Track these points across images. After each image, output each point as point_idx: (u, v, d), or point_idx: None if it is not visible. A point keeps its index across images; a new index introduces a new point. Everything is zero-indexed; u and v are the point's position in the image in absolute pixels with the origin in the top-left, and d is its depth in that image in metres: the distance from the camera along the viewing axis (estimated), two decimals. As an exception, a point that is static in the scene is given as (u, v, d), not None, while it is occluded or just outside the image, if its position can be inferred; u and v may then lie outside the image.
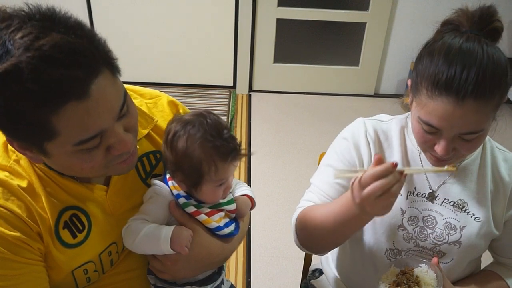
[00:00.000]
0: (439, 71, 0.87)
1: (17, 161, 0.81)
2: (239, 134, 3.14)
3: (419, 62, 0.93)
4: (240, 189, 1.06)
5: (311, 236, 1.07)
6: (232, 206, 1.00)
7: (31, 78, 0.63)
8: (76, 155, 0.73)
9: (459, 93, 0.84)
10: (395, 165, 0.81)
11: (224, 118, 3.29)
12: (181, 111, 1.07)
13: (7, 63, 0.63)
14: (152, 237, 0.87)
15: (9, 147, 0.81)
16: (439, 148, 0.92)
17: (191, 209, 0.93)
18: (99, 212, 0.88)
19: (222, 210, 0.98)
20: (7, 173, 0.78)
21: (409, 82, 0.98)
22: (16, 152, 0.80)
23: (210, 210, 0.96)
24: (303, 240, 1.11)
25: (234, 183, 1.06)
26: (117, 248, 0.93)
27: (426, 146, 0.96)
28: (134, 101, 0.96)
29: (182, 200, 0.93)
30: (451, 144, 0.91)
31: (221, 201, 0.98)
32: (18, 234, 0.76)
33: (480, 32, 0.90)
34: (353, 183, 0.84)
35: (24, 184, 0.79)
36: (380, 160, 0.82)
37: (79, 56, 0.66)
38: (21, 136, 0.71)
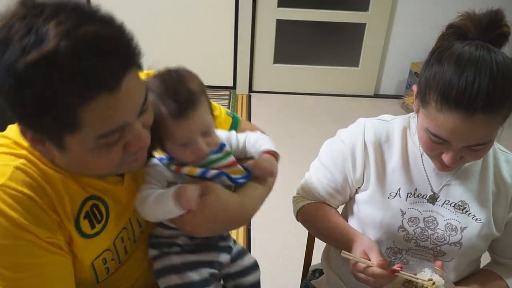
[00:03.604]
0: (449, 84, 0.85)
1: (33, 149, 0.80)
2: (239, 134, 3.13)
3: (427, 69, 0.91)
4: (257, 144, 1.00)
5: (310, 232, 1.25)
6: (229, 160, 0.94)
7: (69, 65, 0.62)
8: (94, 150, 0.73)
9: (469, 109, 0.84)
10: (394, 271, 0.95)
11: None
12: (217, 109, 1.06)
13: (45, 48, 0.61)
14: (161, 198, 0.85)
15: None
16: (446, 157, 0.93)
17: (173, 167, 0.90)
18: (113, 201, 0.88)
19: (216, 169, 0.92)
20: (24, 161, 0.77)
21: (414, 88, 0.97)
22: None
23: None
24: (303, 225, 1.24)
25: (245, 138, 1.01)
26: (128, 235, 0.93)
27: (434, 154, 0.97)
28: None
29: (165, 162, 0.91)
30: (458, 154, 0.92)
31: (214, 157, 0.93)
32: (31, 224, 0.74)
33: (487, 38, 0.88)
34: (355, 264, 0.98)
35: (38, 170, 0.78)
36: (383, 265, 0.95)
37: (116, 47, 0.67)
38: (42, 127, 0.70)
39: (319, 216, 1.17)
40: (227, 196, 0.91)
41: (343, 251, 0.99)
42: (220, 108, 1.10)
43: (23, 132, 0.73)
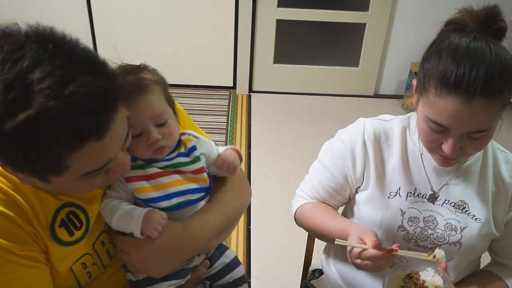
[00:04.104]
0: (447, 70, 0.87)
1: None
2: (239, 134, 3.14)
3: (426, 61, 0.92)
4: (221, 148, 1.01)
5: (309, 231, 1.24)
6: (197, 165, 0.93)
7: (59, 126, 0.62)
8: (78, 182, 0.73)
9: (468, 92, 0.84)
10: (391, 250, 0.93)
11: (224, 118, 3.30)
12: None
13: (33, 109, 0.60)
14: (127, 217, 0.85)
15: None
16: (446, 147, 0.92)
17: (130, 173, 0.87)
18: (92, 206, 0.87)
19: (179, 172, 0.91)
20: None
21: (414, 82, 0.98)
22: None
23: (161, 170, 0.90)
24: (301, 227, 1.24)
25: (211, 148, 0.99)
26: (109, 238, 0.92)
27: (433, 146, 0.96)
28: None
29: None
30: (458, 143, 0.91)
31: (181, 160, 0.92)
32: (3, 240, 0.74)
33: (485, 32, 0.90)
34: (351, 250, 0.97)
35: (9, 183, 0.76)
36: (378, 246, 0.93)
37: (104, 100, 0.66)
38: (27, 171, 0.70)
39: (316, 212, 1.16)
40: (169, 224, 0.89)
41: (336, 239, 0.98)
42: (202, 134, 1.08)
43: (3, 167, 0.72)
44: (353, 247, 0.96)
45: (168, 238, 0.88)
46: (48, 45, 0.63)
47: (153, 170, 0.89)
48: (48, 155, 0.65)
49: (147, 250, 0.87)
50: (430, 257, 0.96)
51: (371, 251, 0.94)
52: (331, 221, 1.12)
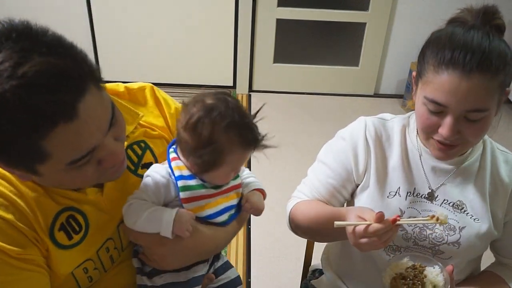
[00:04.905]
0: (445, 50, 0.89)
1: None
2: (239, 134, 3.13)
3: (426, 49, 0.95)
4: (247, 180, 1.04)
5: (304, 233, 1.18)
6: (237, 181, 0.99)
7: (17, 107, 0.62)
8: (68, 172, 0.73)
9: (466, 67, 0.86)
10: (394, 220, 0.89)
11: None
12: (161, 100, 1.04)
13: None
14: (154, 220, 0.86)
15: None
16: (444, 129, 0.92)
17: (191, 194, 0.90)
18: (94, 211, 0.87)
19: (229, 188, 0.96)
20: None
21: (414, 74, 1.00)
22: None
23: (218, 189, 0.94)
24: (295, 230, 1.19)
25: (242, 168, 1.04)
26: (114, 244, 0.92)
27: (430, 131, 0.96)
28: (120, 100, 0.95)
29: (182, 183, 0.90)
30: (456, 125, 0.91)
31: None
32: (3, 243, 0.74)
33: (484, 27, 0.92)
34: (353, 231, 0.91)
35: (11, 187, 0.77)
36: (381, 217, 0.88)
37: (64, 78, 0.64)
38: (10, 161, 0.70)
39: (313, 206, 1.12)
40: (201, 229, 0.92)
41: (335, 221, 0.93)
42: None
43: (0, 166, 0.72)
44: (354, 228, 0.90)
45: (194, 240, 0.90)
46: (11, 34, 0.64)
47: (212, 189, 0.93)
48: (18, 140, 0.64)
49: (170, 248, 0.89)
50: (433, 220, 0.92)
51: (375, 225, 0.88)
52: (325, 209, 1.09)
